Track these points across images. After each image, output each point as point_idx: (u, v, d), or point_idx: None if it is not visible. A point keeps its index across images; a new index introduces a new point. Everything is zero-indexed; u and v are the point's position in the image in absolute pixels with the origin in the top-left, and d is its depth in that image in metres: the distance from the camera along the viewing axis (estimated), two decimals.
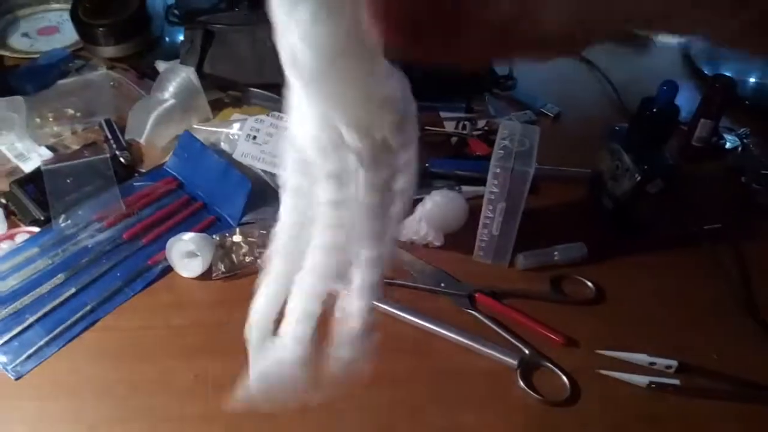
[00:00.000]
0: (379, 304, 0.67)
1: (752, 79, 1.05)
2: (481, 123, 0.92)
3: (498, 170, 0.65)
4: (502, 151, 0.66)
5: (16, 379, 0.61)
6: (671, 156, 0.75)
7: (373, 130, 0.22)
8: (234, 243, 0.72)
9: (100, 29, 0.98)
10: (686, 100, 0.88)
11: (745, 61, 1.07)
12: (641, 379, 0.62)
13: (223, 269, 0.70)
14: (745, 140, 0.93)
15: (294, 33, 0.20)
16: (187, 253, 0.69)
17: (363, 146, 0.22)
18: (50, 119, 0.88)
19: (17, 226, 0.75)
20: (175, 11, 0.93)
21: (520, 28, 0.17)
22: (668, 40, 1.14)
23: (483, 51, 0.18)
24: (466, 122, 0.92)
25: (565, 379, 0.62)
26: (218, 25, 0.89)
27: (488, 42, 0.17)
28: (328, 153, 0.22)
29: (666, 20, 0.18)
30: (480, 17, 0.16)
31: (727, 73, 1.03)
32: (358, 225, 0.25)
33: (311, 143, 0.23)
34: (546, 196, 0.81)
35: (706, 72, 1.05)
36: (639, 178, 0.71)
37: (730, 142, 0.92)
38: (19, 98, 0.89)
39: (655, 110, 0.71)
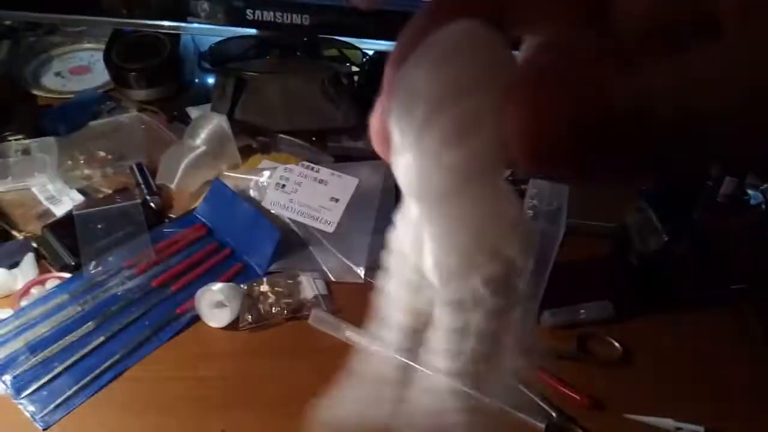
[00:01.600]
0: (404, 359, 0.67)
1: None
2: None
3: None
4: (531, 212, 0.66)
5: (45, 429, 0.61)
6: (698, 215, 0.75)
7: (502, 252, 0.20)
8: (261, 293, 0.73)
9: (133, 73, 1.00)
10: None
11: None
12: None
13: (249, 319, 0.71)
14: None
15: (421, 156, 0.18)
16: (216, 303, 0.70)
17: (493, 270, 0.20)
18: (81, 161, 0.90)
19: (48, 271, 0.75)
20: (207, 57, 0.95)
21: (679, 146, 0.15)
22: None
23: (644, 171, 0.17)
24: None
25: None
26: (250, 72, 0.91)
27: (651, 161, 0.16)
28: (453, 279, 0.20)
29: None
30: (634, 135, 0.15)
31: None
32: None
33: (434, 269, 0.20)
34: (572, 251, 0.80)
35: None
36: (666, 239, 0.71)
37: (753, 198, 0.92)
38: (51, 139, 0.91)
39: None
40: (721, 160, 0.17)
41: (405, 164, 0.19)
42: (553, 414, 0.64)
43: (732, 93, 0.15)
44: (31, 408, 0.62)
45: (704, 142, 0.15)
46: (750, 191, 0.93)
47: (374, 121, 0.20)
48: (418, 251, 0.21)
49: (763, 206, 0.92)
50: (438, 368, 0.23)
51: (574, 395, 0.65)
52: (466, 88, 0.17)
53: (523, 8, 0.18)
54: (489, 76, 0.17)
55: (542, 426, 0.62)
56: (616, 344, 0.71)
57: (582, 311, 0.73)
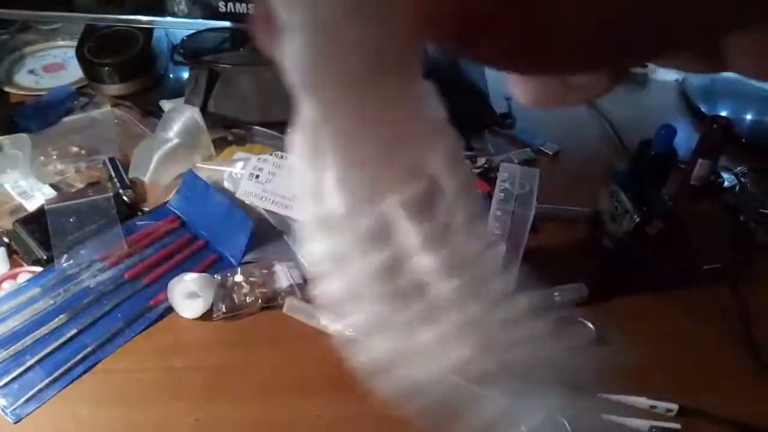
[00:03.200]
0: None
1: (749, 117, 1.07)
2: (481, 161, 0.93)
3: (499, 213, 0.66)
4: (502, 194, 0.66)
5: (16, 422, 0.60)
6: (670, 196, 0.76)
7: (422, 166, 0.17)
8: (235, 283, 0.73)
9: (105, 68, 0.99)
10: (684, 138, 0.89)
11: (742, 99, 1.09)
12: (642, 424, 0.62)
13: (224, 309, 0.70)
14: (742, 179, 0.94)
15: (316, 34, 0.14)
16: (188, 294, 0.70)
17: (409, 189, 0.16)
18: (54, 157, 0.89)
19: (20, 265, 0.75)
20: (180, 51, 0.95)
21: (598, 42, 0.15)
22: (665, 77, 1.16)
23: (559, 63, 0.15)
24: (466, 160, 0.93)
25: (566, 423, 0.62)
26: (222, 65, 0.91)
27: (567, 53, 0.15)
28: (362, 203, 0.16)
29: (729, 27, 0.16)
30: (561, 22, 0.14)
31: (724, 111, 1.05)
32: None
33: (338, 190, 0.16)
34: (546, 236, 0.81)
35: (703, 110, 1.06)
36: (638, 220, 0.72)
37: (727, 180, 0.93)
38: (24, 136, 0.90)
39: (653, 153, 0.72)
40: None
41: (295, 47, 0.14)
42: None
43: None
44: (2, 401, 0.61)
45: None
46: (724, 174, 0.94)
47: (258, 10, 0.16)
48: (317, 171, 0.17)
49: (737, 188, 0.93)
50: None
51: None
52: None
53: None
54: None
55: None
56: (590, 325, 0.71)
57: (556, 294, 0.73)
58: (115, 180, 0.84)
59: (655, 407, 0.64)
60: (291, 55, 0.14)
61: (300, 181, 0.17)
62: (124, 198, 0.82)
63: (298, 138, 0.17)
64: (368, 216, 0.16)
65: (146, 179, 0.84)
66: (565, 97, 0.18)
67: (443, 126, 0.17)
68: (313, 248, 0.18)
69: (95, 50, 1.01)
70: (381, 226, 0.16)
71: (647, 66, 1.14)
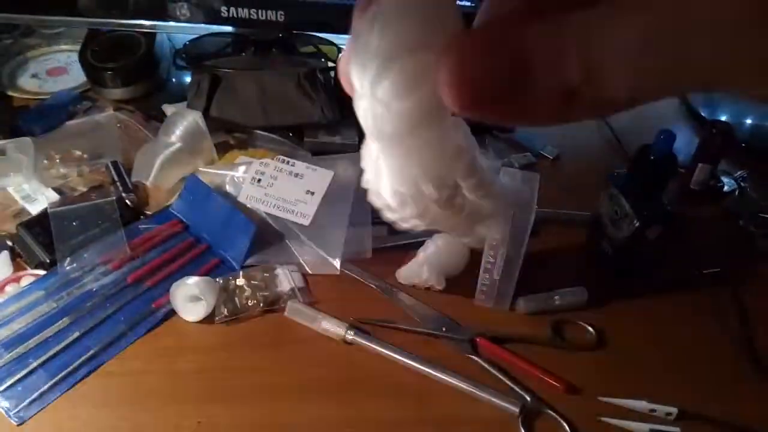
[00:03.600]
0: (380, 348, 0.68)
1: (749, 121, 1.07)
2: None
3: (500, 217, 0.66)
4: None
5: (19, 425, 0.61)
6: (669, 201, 0.76)
7: (447, 179, 0.24)
8: (237, 286, 0.73)
9: (108, 72, 1.00)
10: (684, 142, 0.90)
11: (742, 104, 1.09)
12: (642, 427, 0.62)
13: (225, 313, 0.71)
14: (742, 183, 0.94)
15: (375, 104, 0.21)
16: (191, 297, 0.70)
17: (439, 195, 0.24)
18: (57, 160, 0.90)
19: (23, 268, 0.75)
20: (183, 55, 0.95)
21: (586, 94, 0.17)
22: None
23: (549, 114, 0.18)
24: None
25: (566, 426, 0.62)
26: (225, 70, 0.91)
27: (555, 106, 0.18)
28: (407, 203, 0.25)
29: (730, 84, 0.17)
30: (547, 85, 0.17)
31: (724, 116, 1.06)
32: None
33: (391, 195, 0.25)
34: (546, 239, 0.82)
35: (703, 114, 1.07)
36: (638, 224, 0.72)
37: (727, 185, 0.94)
38: (27, 140, 0.91)
39: (652, 158, 0.73)
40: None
41: (363, 109, 0.22)
42: (527, 398, 0.64)
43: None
44: (6, 404, 0.62)
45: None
46: (724, 178, 0.95)
47: (341, 65, 0.22)
48: (378, 180, 0.25)
49: (737, 193, 0.94)
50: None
51: (548, 380, 0.66)
52: (412, 46, 0.20)
53: None
54: (432, 35, 0.19)
55: (516, 410, 0.63)
56: (590, 329, 0.72)
57: (556, 297, 0.74)
58: (118, 184, 0.84)
59: (654, 410, 0.64)
60: (361, 111, 0.22)
61: (367, 184, 0.27)
62: (127, 202, 0.82)
63: (366, 157, 0.26)
64: (408, 213, 0.26)
65: (149, 183, 0.85)
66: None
67: (462, 150, 0.24)
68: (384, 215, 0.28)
69: (98, 54, 1.01)
70: (421, 214, 0.26)
71: None
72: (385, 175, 0.25)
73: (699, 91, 0.18)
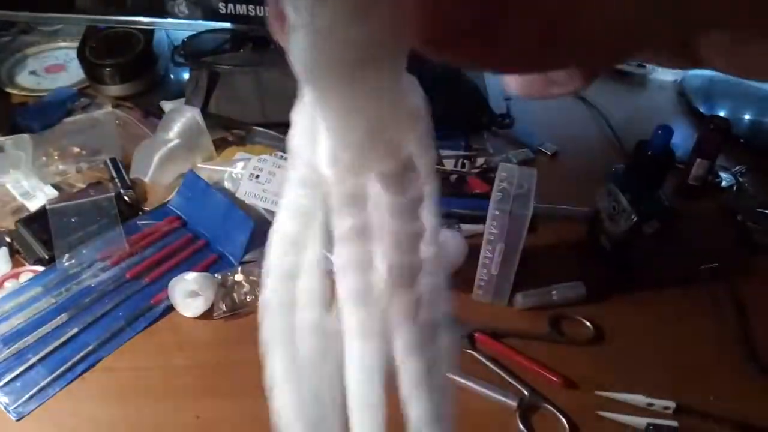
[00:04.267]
0: None
1: (747, 117, 1.07)
2: (480, 161, 0.94)
3: (497, 212, 0.66)
4: (500, 194, 0.67)
5: (18, 420, 0.61)
6: (667, 196, 0.76)
7: (401, 146, 0.20)
8: (235, 282, 0.73)
9: (107, 69, 1.00)
10: (682, 137, 0.90)
11: (740, 99, 1.09)
12: (640, 421, 0.62)
13: (224, 308, 0.71)
14: (740, 178, 0.94)
15: (314, 35, 0.17)
16: (189, 293, 0.70)
17: (388, 165, 0.19)
18: (56, 157, 0.90)
19: (22, 264, 0.75)
20: (181, 52, 0.95)
21: (565, 28, 0.16)
22: (664, 77, 1.16)
23: (525, 54, 0.16)
24: (465, 160, 0.94)
25: (564, 420, 0.62)
26: (223, 66, 0.91)
27: (533, 42, 0.16)
28: (348, 173, 0.20)
29: (719, 28, 0.17)
30: (525, 13, 0.15)
31: (722, 112, 1.06)
32: (388, 261, 0.21)
33: (328, 162, 0.20)
34: (544, 235, 0.82)
35: (701, 110, 1.07)
36: (635, 219, 0.72)
37: (725, 180, 0.94)
38: (25, 136, 0.91)
39: (650, 153, 0.73)
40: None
41: (298, 43, 0.17)
42: (525, 392, 0.64)
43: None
44: (5, 399, 0.62)
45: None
46: (722, 174, 0.95)
47: (272, 9, 0.19)
48: (313, 145, 0.20)
49: (735, 188, 0.94)
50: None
51: (546, 374, 0.66)
52: None
53: None
54: None
55: (514, 404, 0.63)
56: (588, 324, 0.72)
57: (554, 293, 0.74)
58: (117, 180, 0.84)
59: (652, 404, 0.64)
60: (295, 49, 0.17)
61: (295, 150, 0.21)
62: (125, 198, 0.82)
63: (299, 116, 0.21)
64: (350, 185, 0.20)
65: (147, 179, 0.85)
66: (548, 90, 0.21)
67: (421, 114, 0.20)
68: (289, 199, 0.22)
69: (96, 51, 1.01)
70: (359, 193, 0.20)
71: (645, 67, 1.15)
72: (323, 136, 0.19)
73: (683, 36, 0.17)
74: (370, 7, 0.16)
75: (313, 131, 0.20)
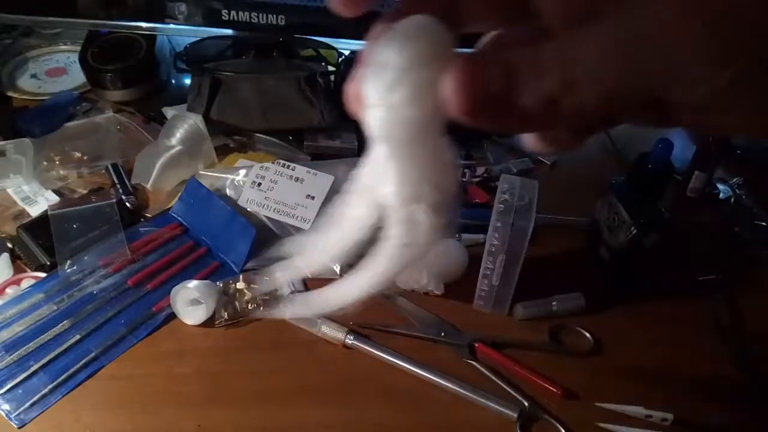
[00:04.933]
0: (380, 353, 0.68)
1: None
2: (480, 170, 0.94)
3: (499, 224, 0.67)
4: (502, 206, 0.67)
5: (20, 427, 0.61)
6: (666, 208, 0.77)
7: (441, 187, 0.27)
8: (237, 290, 0.73)
9: (108, 74, 1.00)
10: (680, 149, 0.90)
11: None
12: None
13: (225, 317, 0.71)
14: (737, 190, 0.95)
15: (389, 111, 0.24)
16: (191, 301, 0.70)
17: (434, 200, 0.27)
18: (57, 162, 0.90)
19: (23, 270, 0.75)
20: (183, 58, 0.95)
21: (564, 102, 0.21)
22: None
23: (537, 120, 0.22)
24: (465, 169, 0.94)
25: None
26: (225, 73, 0.92)
27: (540, 113, 0.21)
28: (406, 204, 0.27)
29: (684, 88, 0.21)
30: (532, 94, 0.21)
31: None
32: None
33: (393, 196, 0.27)
34: (544, 245, 0.82)
35: None
36: (635, 232, 0.73)
37: (723, 192, 0.95)
38: (26, 141, 0.91)
39: (650, 166, 0.73)
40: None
41: (376, 116, 0.25)
42: (525, 403, 0.65)
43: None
44: (6, 406, 0.62)
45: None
46: (719, 185, 0.96)
47: (351, 85, 0.25)
48: (380, 183, 0.28)
49: (732, 200, 0.94)
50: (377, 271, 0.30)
51: (546, 385, 0.67)
52: (422, 62, 0.23)
53: (468, 8, 0.27)
54: (437, 56, 0.24)
55: (514, 415, 0.63)
56: (588, 335, 0.73)
57: (554, 303, 0.74)
58: (118, 186, 0.84)
59: (650, 416, 0.64)
60: (372, 119, 0.25)
61: (364, 187, 0.29)
62: (127, 204, 0.82)
63: (371, 164, 0.28)
64: (407, 212, 0.27)
65: (149, 186, 0.85)
66: (555, 147, 0.28)
67: (453, 164, 0.28)
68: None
69: (98, 56, 1.01)
70: (412, 218, 0.28)
71: None
72: (390, 178, 0.27)
73: (654, 96, 0.21)
74: (424, 94, 0.24)
75: (380, 173, 0.28)
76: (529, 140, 0.29)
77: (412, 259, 0.29)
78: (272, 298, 0.73)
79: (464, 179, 0.92)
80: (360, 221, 0.30)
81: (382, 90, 0.24)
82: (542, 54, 0.21)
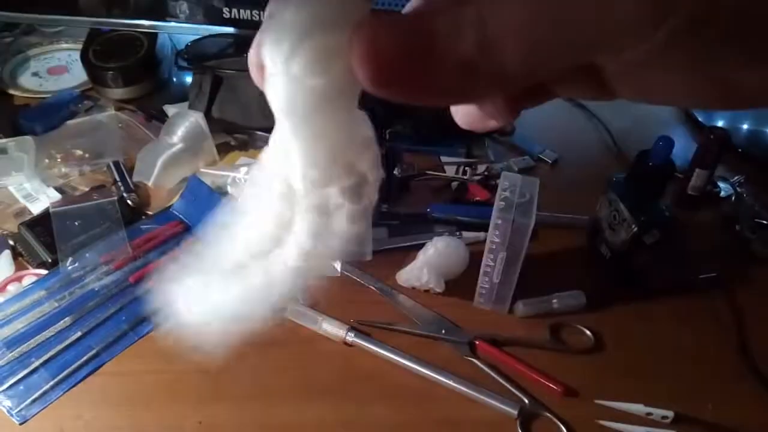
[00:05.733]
0: (380, 350, 0.69)
1: (745, 126, 1.08)
2: (481, 168, 0.94)
3: (499, 221, 0.67)
4: (503, 203, 0.67)
5: (21, 424, 0.61)
6: (667, 206, 0.77)
7: (356, 167, 0.25)
8: None
9: (110, 72, 1.00)
10: (681, 147, 0.90)
11: None
12: (638, 430, 0.63)
13: None
14: (738, 188, 0.95)
15: (289, 81, 0.21)
16: None
17: (348, 182, 0.24)
18: (58, 160, 0.90)
19: (25, 268, 0.76)
20: (185, 56, 0.96)
21: (482, 67, 0.19)
22: None
23: (452, 88, 0.20)
24: (466, 167, 0.94)
25: (564, 429, 0.63)
26: (226, 71, 0.92)
27: (455, 79, 0.19)
28: (315, 188, 0.24)
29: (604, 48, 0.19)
30: (447, 58, 0.19)
31: (721, 122, 1.07)
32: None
33: (300, 179, 0.24)
34: (545, 243, 0.82)
35: (700, 120, 1.08)
36: (636, 230, 0.73)
37: (724, 190, 0.95)
38: (28, 138, 0.91)
39: (651, 164, 0.73)
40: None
41: (275, 87, 0.22)
42: (526, 401, 0.65)
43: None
44: (8, 403, 0.62)
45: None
46: (720, 183, 0.95)
47: (251, 52, 0.23)
48: (286, 165, 0.25)
49: (733, 198, 0.94)
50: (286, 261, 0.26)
51: (546, 383, 0.67)
52: (325, 25, 0.21)
53: None
54: (344, 15, 0.20)
55: (515, 413, 0.63)
56: (588, 333, 0.73)
57: (554, 301, 0.74)
58: (120, 184, 0.85)
59: (651, 414, 0.64)
60: (272, 91, 0.22)
61: (270, 172, 0.26)
62: (128, 202, 0.83)
63: (274, 144, 0.25)
64: (317, 197, 0.25)
65: (150, 183, 0.85)
66: (484, 123, 0.26)
67: (370, 141, 0.25)
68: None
69: (99, 54, 1.02)
70: (323, 203, 0.25)
71: None
72: (295, 158, 0.24)
73: (584, 59, 0.19)
74: (329, 62, 0.21)
75: (286, 152, 0.24)
76: (457, 115, 0.26)
77: (325, 255, 0.26)
78: None
79: (465, 177, 0.92)
80: (270, 215, 0.26)
81: (281, 57, 0.21)
82: (458, 13, 0.19)
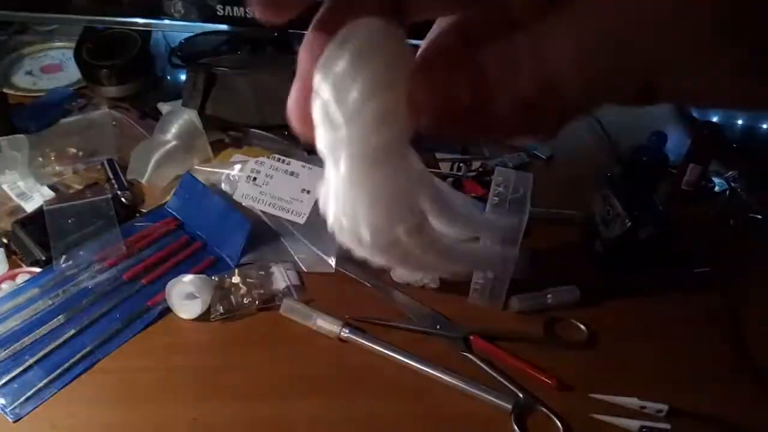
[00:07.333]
0: (375, 346, 0.69)
1: (739, 122, 1.08)
2: (476, 164, 0.94)
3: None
4: (496, 198, 0.67)
5: (15, 421, 0.61)
6: (661, 201, 0.77)
7: (415, 205, 0.24)
8: (233, 284, 0.73)
9: (103, 70, 1.00)
10: (675, 142, 0.91)
11: None
12: (632, 424, 0.63)
13: (221, 311, 0.71)
14: (733, 183, 0.95)
15: (351, 139, 0.21)
16: (186, 295, 0.70)
17: (410, 221, 0.24)
18: (52, 158, 0.90)
19: (18, 266, 0.75)
20: (178, 53, 0.96)
21: (544, 103, 0.18)
22: None
23: (515, 126, 0.19)
24: (461, 164, 0.94)
25: (558, 423, 0.63)
26: (220, 68, 0.92)
27: (518, 118, 0.19)
28: (380, 234, 0.24)
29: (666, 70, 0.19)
30: (506, 99, 0.18)
31: (715, 117, 1.07)
32: None
33: (366, 228, 0.24)
34: (539, 239, 0.82)
35: (694, 115, 1.08)
36: (630, 224, 0.73)
37: (718, 185, 0.95)
38: (22, 137, 0.91)
39: (644, 159, 0.73)
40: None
41: (339, 140, 0.21)
42: (520, 395, 0.65)
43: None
44: (2, 400, 0.62)
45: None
46: (715, 179, 0.96)
47: (295, 103, 0.22)
48: (353, 216, 0.24)
49: (727, 193, 0.95)
50: None
51: (541, 377, 0.67)
52: (384, 85, 0.20)
53: None
54: (399, 73, 0.21)
55: (509, 407, 0.63)
56: (582, 327, 0.73)
57: (549, 296, 0.75)
58: (113, 181, 0.84)
59: (645, 407, 0.65)
60: (329, 145, 0.22)
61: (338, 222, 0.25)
62: (122, 199, 0.82)
63: (332, 199, 0.24)
64: (385, 239, 0.24)
65: (144, 181, 0.85)
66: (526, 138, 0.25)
67: (425, 173, 0.25)
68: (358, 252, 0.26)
69: (93, 52, 1.01)
70: (392, 244, 0.24)
71: None
72: (359, 211, 0.23)
73: (647, 80, 0.19)
74: (391, 118, 0.21)
75: (344, 198, 0.24)
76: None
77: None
78: (268, 292, 0.73)
79: (459, 173, 0.92)
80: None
81: (343, 119, 0.21)
82: (513, 52, 0.18)
